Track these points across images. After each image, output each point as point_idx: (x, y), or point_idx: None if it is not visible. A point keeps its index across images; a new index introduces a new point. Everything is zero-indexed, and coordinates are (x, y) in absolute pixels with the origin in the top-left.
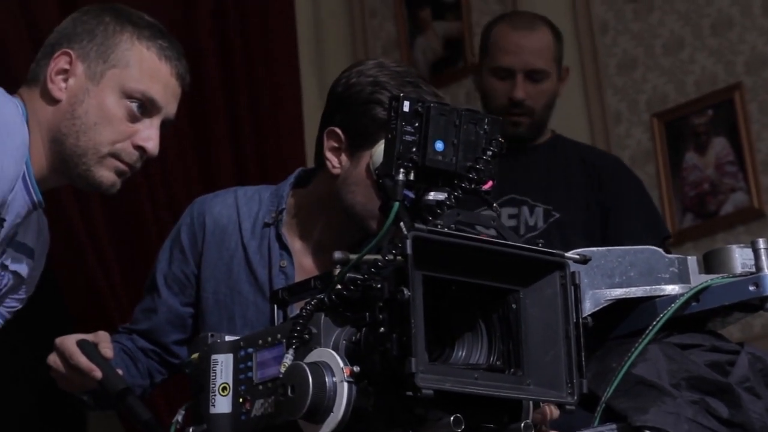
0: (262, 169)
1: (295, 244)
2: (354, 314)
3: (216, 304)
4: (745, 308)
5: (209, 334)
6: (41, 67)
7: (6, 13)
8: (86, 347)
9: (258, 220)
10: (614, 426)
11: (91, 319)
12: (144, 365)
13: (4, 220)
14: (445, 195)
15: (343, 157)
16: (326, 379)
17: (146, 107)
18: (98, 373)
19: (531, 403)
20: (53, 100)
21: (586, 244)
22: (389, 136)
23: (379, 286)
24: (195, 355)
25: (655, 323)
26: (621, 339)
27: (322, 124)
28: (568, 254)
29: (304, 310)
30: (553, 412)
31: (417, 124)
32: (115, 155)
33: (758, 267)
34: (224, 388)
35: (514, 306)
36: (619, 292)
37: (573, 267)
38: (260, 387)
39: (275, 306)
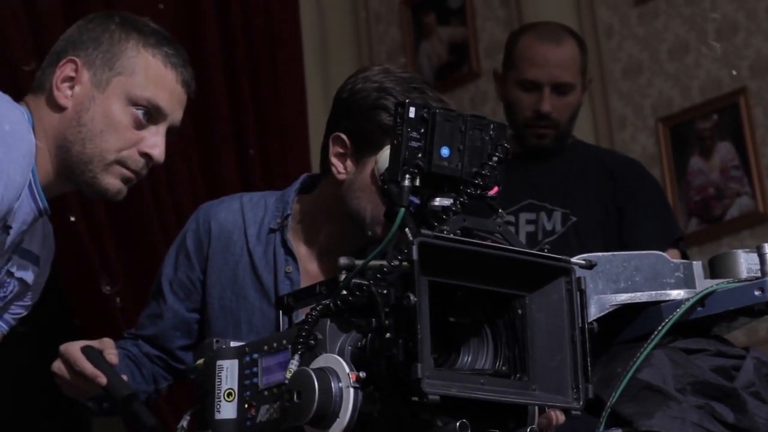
0: (267, 175)
1: (301, 250)
2: (360, 320)
3: (221, 310)
4: (750, 313)
5: (214, 340)
6: (47, 75)
7: (10, 18)
8: (91, 354)
9: (263, 225)
10: (620, 431)
11: (96, 325)
12: (149, 371)
13: (10, 227)
14: (451, 201)
15: (349, 162)
16: (332, 385)
17: (152, 114)
18: (103, 380)
19: (537, 408)
20: (59, 108)
21: (604, 247)
22: (395, 141)
23: (384, 291)
24: (200, 361)
25: (660, 328)
26: (626, 344)
27: (328, 129)
28: (574, 259)
29: (309, 316)
30: (558, 417)
31: (423, 130)
32: (121, 162)
33: (763, 272)
34: (229, 394)
35: (519, 311)
36: (624, 297)
37: (579, 272)
38: (265, 393)
39: (281, 312)
